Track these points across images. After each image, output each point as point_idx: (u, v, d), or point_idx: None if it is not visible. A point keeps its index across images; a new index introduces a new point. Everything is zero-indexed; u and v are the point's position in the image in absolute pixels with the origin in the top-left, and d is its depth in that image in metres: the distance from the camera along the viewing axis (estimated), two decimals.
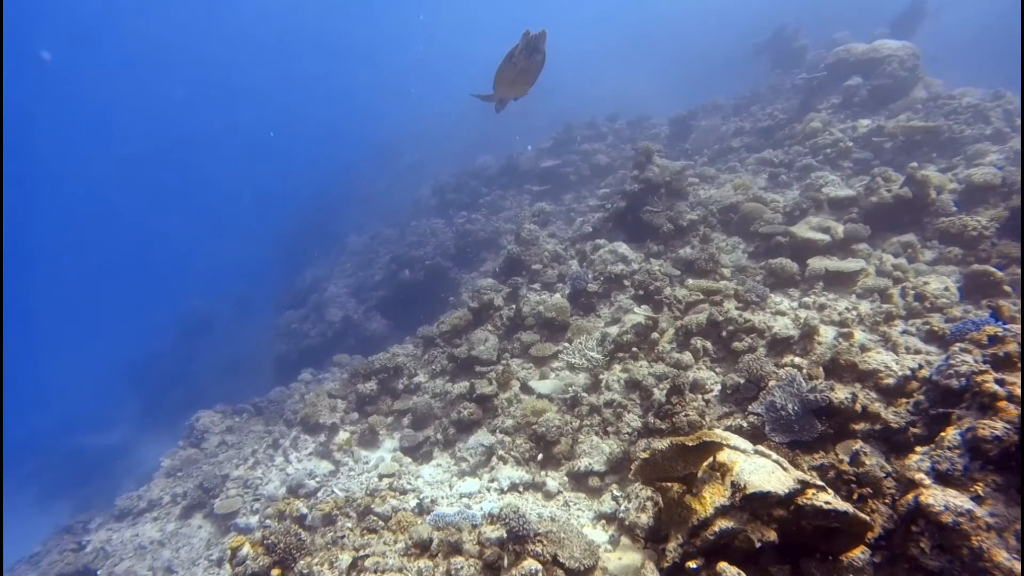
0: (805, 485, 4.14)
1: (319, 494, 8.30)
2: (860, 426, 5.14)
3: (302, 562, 5.20)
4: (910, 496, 4.04)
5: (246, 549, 5.41)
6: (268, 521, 7.63)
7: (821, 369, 5.94)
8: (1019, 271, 6.91)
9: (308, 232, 28.72)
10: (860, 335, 6.60)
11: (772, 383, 5.81)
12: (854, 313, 7.12)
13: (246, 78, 61.48)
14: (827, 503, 3.97)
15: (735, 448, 4.80)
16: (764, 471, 4.39)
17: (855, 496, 4.59)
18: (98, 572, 9.22)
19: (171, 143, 58.08)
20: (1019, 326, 5.02)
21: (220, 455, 11.14)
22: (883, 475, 4.55)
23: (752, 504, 4.19)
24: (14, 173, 52.61)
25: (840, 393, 5.24)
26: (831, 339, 6.63)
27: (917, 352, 5.98)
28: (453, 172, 23.77)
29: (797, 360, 6.19)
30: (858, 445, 4.87)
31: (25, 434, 23.56)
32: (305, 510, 7.33)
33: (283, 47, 60.64)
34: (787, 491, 4.11)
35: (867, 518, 3.93)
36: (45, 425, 23.82)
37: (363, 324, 17.44)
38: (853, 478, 4.71)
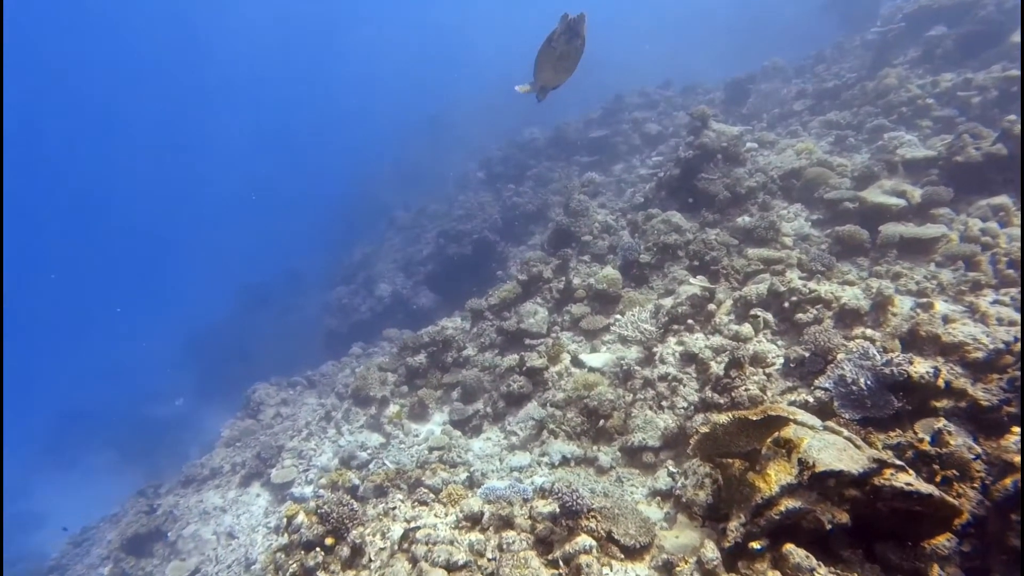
0: (882, 464, 3.82)
1: (371, 466, 8.48)
2: (943, 403, 4.72)
3: (355, 532, 5.28)
4: (1008, 481, 3.66)
5: (301, 518, 5.54)
6: (322, 491, 7.87)
7: (897, 342, 5.49)
8: None
9: (358, 208, 29.22)
10: (942, 306, 6.05)
11: (841, 356, 5.41)
12: (934, 282, 6.53)
13: (297, 54, 62.46)
14: (908, 484, 3.65)
15: (802, 424, 4.50)
16: (835, 448, 4.09)
17: (938, 478, 4.23)
18: (168, 533, 9.85)
19: (227, 127, 60.14)
20: None
21: (276, 426, 11.59)
22: (971, 457, 4.15)
23: (822, 483, 3.92)
24: (81, 159, 56.05)
25: (920, 367, 4.81)
26: (908, 310, 6.11)
27: (1012, 324, 5.41)
28: (500, 145, 23.47)
29: (869, 332, 5.75)
30: (941, 423, 4.46)
31: (101, 403, 25.37)
32: (357, 481, 7.50)
33: (332, 20, 61.06)
34: (861, 470, 3.81)
35: (955, 502, 3.60)
36: (119, 395, 25.53)
37: (412, 299, 17.66)
38: (935, 459, 4.34)
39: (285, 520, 5.63)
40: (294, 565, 5.18)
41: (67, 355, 35.87)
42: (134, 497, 11.65)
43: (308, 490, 8.98)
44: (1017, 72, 9.87)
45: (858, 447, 4.10)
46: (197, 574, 8.62)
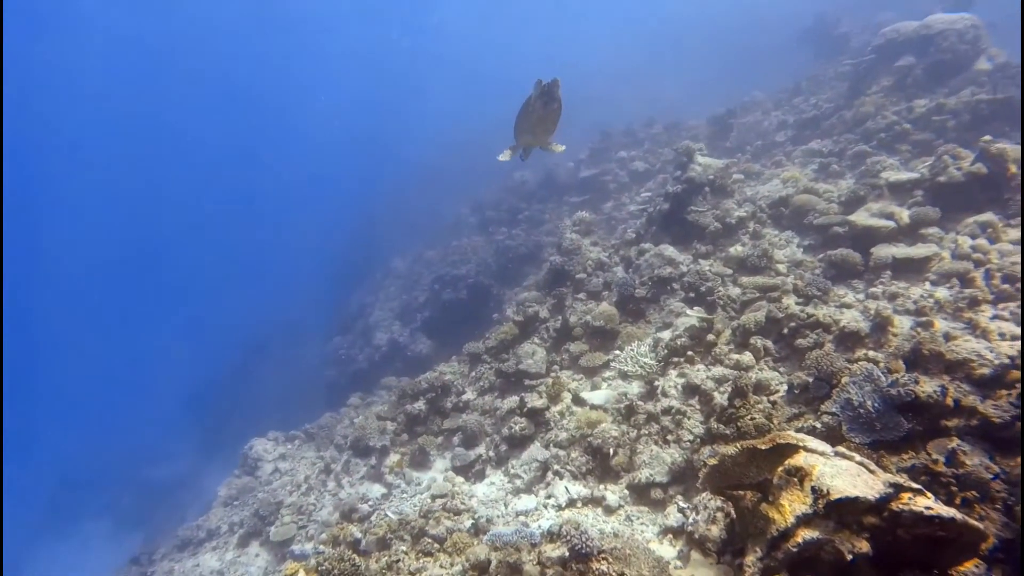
0: (898, 489, 3.69)
1: (372, 518, 8.18)
2: (953, 422, 4.62)
3: None
4: None
5: None
6: (322, 547, 7.56)
7: (901, 362, 5.41)
8: None
9: (354, 257, 29.33)
10: (942, 323, 6.01)
11: (846, 379, 5.33)
12: (931, 300, 6.53)
13: (289, 99, 63.58)
14: (928, 508, 3.51)
15: (813, 450, 4.38)
16: (848, 475, 3.97)
17: (957, 500, 4.09)
18: None
19: (219, 172, 60.66)
20: None
21: (274, 482, 11.24)
22: (990, 476, 4.03)
23: (838, 511, 3.77)
24: (71, 199, 55.96)
25: (927, 386, 4.73)
26: (908, 329, 6.07)
27: (1014, 338, 5.37)
28: (492, 189, 23.85)
29: (872, 354, 5.68)
30: (954, 443, 4.36)
31: (98, 468, 24.75)
32: (359, 534, 7.22)
33: (326, 62, 62.32)
34: (878, 496, 3.67)
35: (979, 525, 3.45)
36: (116, 458, 24.94)
37: (409, 346, 17.51)
38: (952, 480, 4.20)
39: None
40: None
41: (65, 419, 35.13)
42: (127, 566, 11.17)
43: (309, 546, 8.62)
44: (986, 96, 10.20)
45: (872, 472, 3.97)
46: None
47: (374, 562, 5.79)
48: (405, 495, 8.54)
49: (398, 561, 5.73)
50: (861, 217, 8.44)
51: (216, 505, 11.48)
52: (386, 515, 8.06)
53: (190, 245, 54.76)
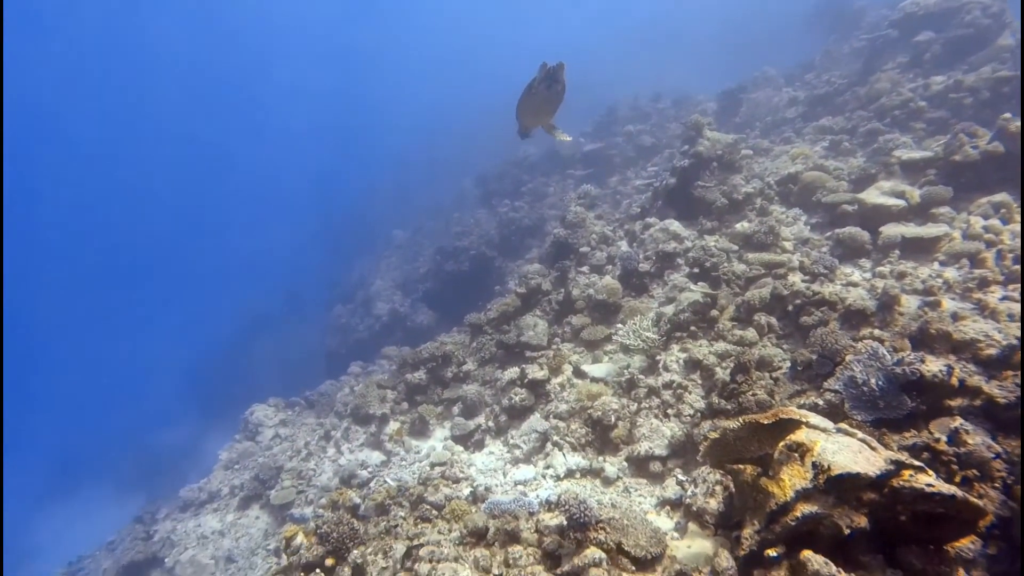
0: (900, 465, 3.68)
1: (371, 484, 8.27)
2: (957, 402, 4.59)
3: (356, 552, 5.09)
4: None
5: (300, 539, 5.36)
6: (322, 512, 7.65)
7: (907, 341, 5.37)
8: None
9: (355, 228, 29.19)
10: (949, 303, 5.95)
11: (850, 357, 5.29)
12: (940, 280, 6.45)
13: (295, 73, 63.03)
14: (929, 486, 3.50)
15: (815, 427, 4.37)
16: (849, 451, 3.96)
17: (957, 479, 4.08)
18: (165, 560, 9.57)
19: (225, 143, 60.37)
20: None
21: (274, 447, 11.36)
22: (991, 456, 4.02)
23: (838, 487, 3.77)
24: (73, 178, 56.15)
25: (933, 366, 4.69)
26: (915, 309, 6.01)
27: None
28: (495, 162, 23.55)
29: (877, 332, 5.63)
30: (957, 422, 4.33)
31: (100, 433, 25.16)
32: (358, 500, 7.28)
33: (328, 41, 61.61)
34: (879, 472, 3.67)
35: (979, 503, 3.45)
36: (119, 424, 25.35)
37: (410, 316, 17.53)
38: (953, 459, 4.19)
39: (284, 542, 5.45)
40: None
41: (67, 385, 35.50)
42: (131, 524, 11.38)
43: (308, 511, 8.75)
44: (1008, 73, 9.92)
45: (874, 448, 3.96)
46: None
47: (372, 526, 5.86)
48: (404, 463, 8.62)
49: (396, 526, 5.79)
50: (871, 195, 8.30)
51: (217, 468, 11.63)
52: (385, 482, 8.14)
53: (189, 223, 54.66)
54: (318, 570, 5.02)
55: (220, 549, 9.20)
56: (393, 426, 9.38)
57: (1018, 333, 4.84)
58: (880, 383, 4.78)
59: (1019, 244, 6.35)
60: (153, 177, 58.68)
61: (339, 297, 22.39)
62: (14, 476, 24.98)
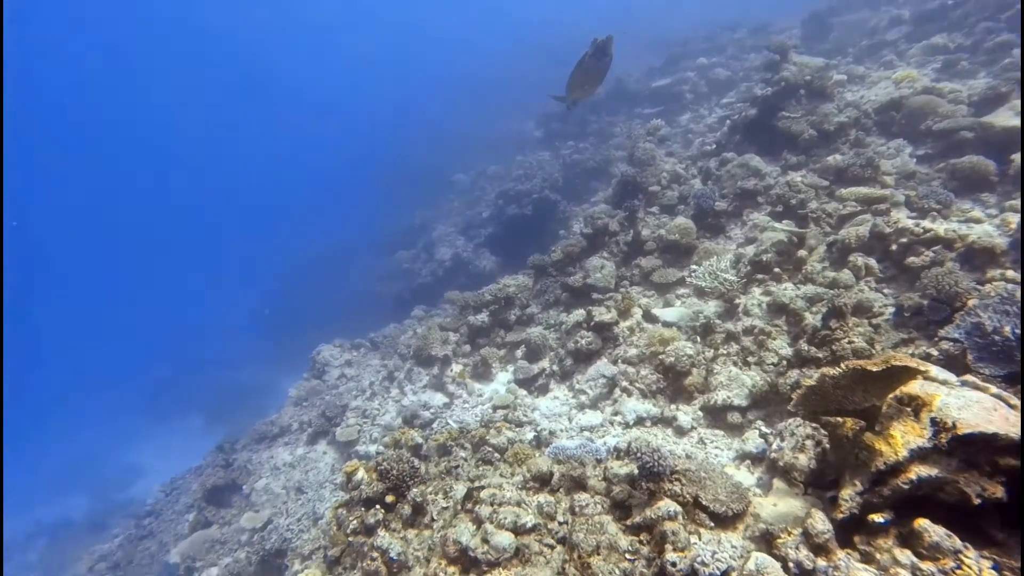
0: None
1: (434, 425, 8.34)
2: None
3: (416, 490, 5.07)
4: None
5: (361, 474, 5.39)
6: (385, 449, 7.79)
7: None
8: None
9: (415, 174, 28.99)
10: None
11: (974, 302, 4.62)
12: None
13: (351, 24, 62.73)
14: None
15: (934, 379, 3.86)
16: (979, 407, 3.44)
17: None
18: (243, 486, 10.22)
19: (293, 82, 61.63)
20: None
21: (340, 387, 11.72)
22: None
23: (967, 448, 3.28)
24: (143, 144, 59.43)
25: None
26: None
27: None
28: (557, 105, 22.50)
29: (1011, 274, 4.89)
30: None
31: (187, 369, 27.44)
32: (420, 440, 7.33)
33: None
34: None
35: None
36: (202, 361, 27.49)
37: (473, 261, 17.39)
38: None
39: (345, 476, 5.50)
40: (354, 522, 5.05)
41: (146, 326, 38.68)
42: (213, 452, 12.23)
43: (372, 448, 9.00)
44: None
45: (1012, 407, 3.42)
46: (269, 525, 8.88)
47: (433, 466, 5.82)
48: (467, 405, 8.63)
49: (457, 467, 5.73)
50: (1000, 118, 7.17)
51: (288, 405, 12.19)
52: (447, 423, 8.19)
53: (248, 177, 56.74)
54: (378, 506, 5.05)
55: (291, 480, 9.71)
56: (456, 368, 9.39)
57: None
58: (1017, 331, 4.13)
59: None
60: (224, 121, 61.18)
61: (402, 242, 22.53)
62: (115, 403, 28.02)
